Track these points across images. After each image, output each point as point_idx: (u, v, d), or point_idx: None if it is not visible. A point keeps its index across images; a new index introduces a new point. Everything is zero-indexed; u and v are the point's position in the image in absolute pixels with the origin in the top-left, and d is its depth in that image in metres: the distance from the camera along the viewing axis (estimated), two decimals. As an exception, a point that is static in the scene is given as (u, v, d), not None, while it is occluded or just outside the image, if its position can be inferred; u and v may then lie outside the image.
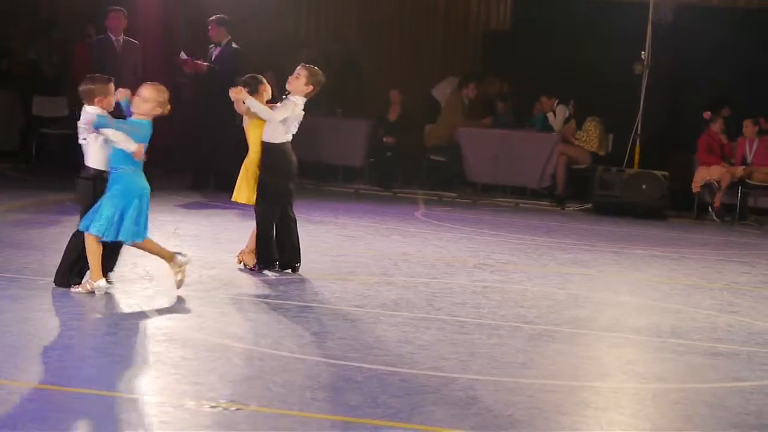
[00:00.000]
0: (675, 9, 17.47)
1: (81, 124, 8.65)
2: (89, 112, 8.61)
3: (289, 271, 10.05)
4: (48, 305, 8.22)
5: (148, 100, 8.66)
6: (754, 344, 8.53)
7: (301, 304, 8.90)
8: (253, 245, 10.05)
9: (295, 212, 10.18)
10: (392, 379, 6.85)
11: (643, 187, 16.75)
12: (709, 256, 13.05)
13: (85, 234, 8.52)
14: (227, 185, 11.39)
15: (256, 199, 10.00)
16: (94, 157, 8.67)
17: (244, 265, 10.08)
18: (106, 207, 8.49)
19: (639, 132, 17.03)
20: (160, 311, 8.25)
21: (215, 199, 14.67)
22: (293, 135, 10.07)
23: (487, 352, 7.75)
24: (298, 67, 10.13)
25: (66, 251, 8.74)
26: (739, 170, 16.67)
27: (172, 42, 18.26)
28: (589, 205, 17.13)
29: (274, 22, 19.40)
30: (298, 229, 10.17)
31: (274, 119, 9.83)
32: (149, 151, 8.76)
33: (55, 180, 15.06)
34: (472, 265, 11.32)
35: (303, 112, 10.02)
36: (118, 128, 8.55)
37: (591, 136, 17.81)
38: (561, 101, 18.18)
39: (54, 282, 8.71)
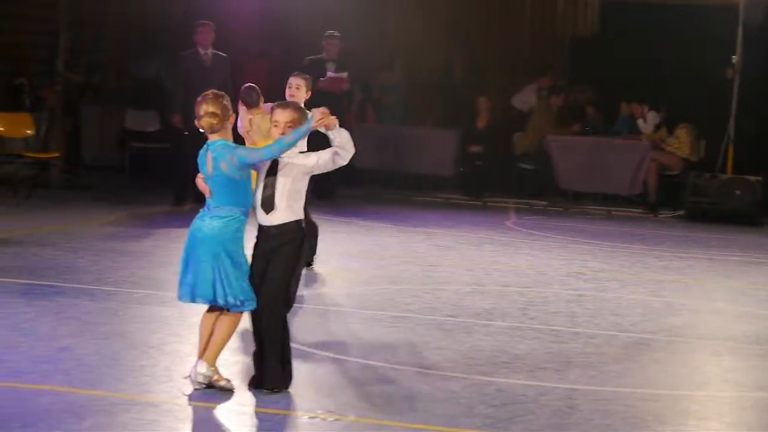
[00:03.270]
0: (766, 9, 17.21)
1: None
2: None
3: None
4: (146, 318, 8.30)
5: None
6: None
7: (395, 314, 8.90)
8: None
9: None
10: (489, 389, 6.83)
11: (737, 192, 16.48)
12: (806, 262, 12.82)
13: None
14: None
15: None
16: None
17: None
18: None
19: (731, 136, 16.79)
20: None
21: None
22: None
23: (583, 360, 7.68)
24: (291, 78, 9.46)
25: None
26: None
27: (271, 56, 18.37)
28: (682, 212, 16.90)
29: (362, 34, 19.38)
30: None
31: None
32: None
33: (149, 193, 15.32)
34: (566, 273, 11.24)
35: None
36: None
37: (683, 142, 17.59)
38: (652, 108, 17.99)
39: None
